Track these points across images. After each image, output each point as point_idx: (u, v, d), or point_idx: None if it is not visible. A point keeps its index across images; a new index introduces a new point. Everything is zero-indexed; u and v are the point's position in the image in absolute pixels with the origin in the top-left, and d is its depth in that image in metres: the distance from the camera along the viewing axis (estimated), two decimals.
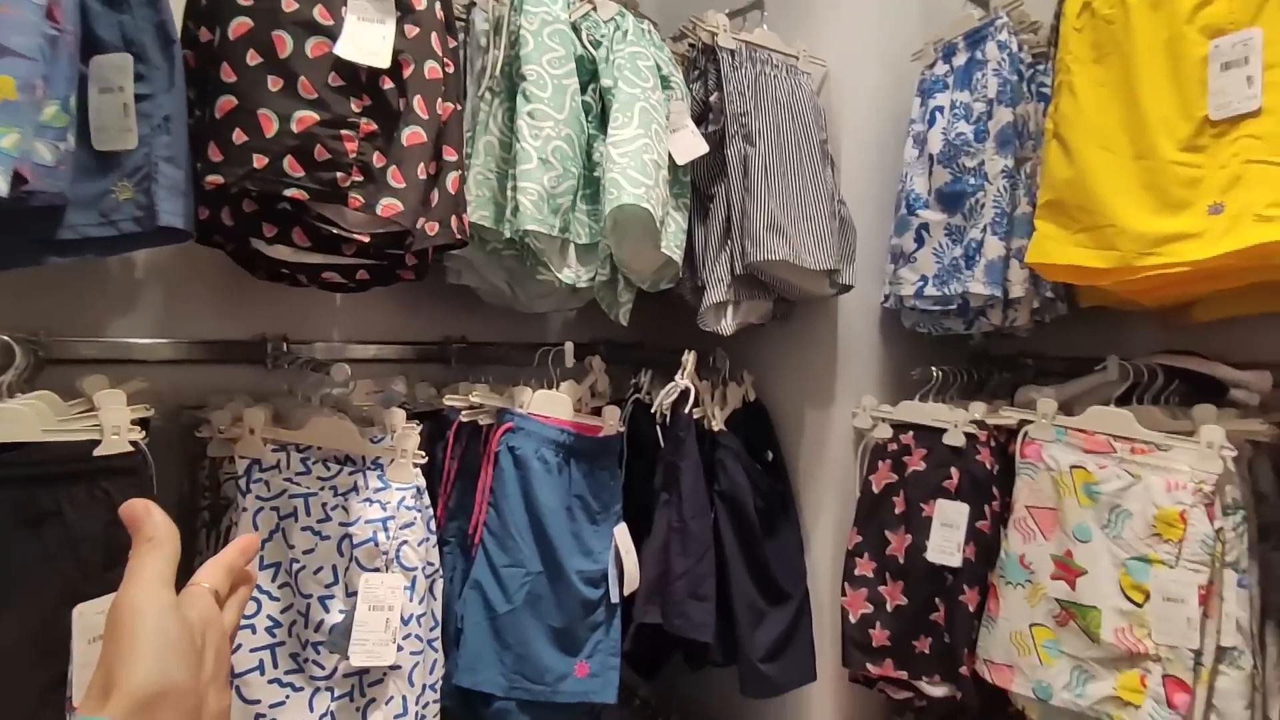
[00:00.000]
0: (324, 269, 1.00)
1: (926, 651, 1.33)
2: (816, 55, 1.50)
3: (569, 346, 1.20)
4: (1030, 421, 1.23)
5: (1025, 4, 1.33)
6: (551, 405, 1.18)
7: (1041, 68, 1.32)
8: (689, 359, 1.31)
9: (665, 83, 1.25)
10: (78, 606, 0.79)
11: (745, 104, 1.29)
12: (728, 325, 1.33)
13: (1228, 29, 1.00)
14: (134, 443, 0.87)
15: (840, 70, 1.51)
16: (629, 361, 1.66)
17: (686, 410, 1.30)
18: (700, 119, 1.32)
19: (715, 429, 1.38)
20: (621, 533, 1.21)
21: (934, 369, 1.44)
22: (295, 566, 0.98)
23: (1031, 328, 1.42)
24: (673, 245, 1.21)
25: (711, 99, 1.31)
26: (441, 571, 1.09)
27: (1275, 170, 0.95)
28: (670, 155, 1.20)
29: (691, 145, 1.22)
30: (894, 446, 1.42)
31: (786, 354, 1.59)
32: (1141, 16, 1.07)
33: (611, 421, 1.23)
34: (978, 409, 1.34)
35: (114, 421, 0.86)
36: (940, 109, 1.38)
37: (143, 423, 0.90)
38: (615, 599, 1.18)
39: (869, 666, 1.37)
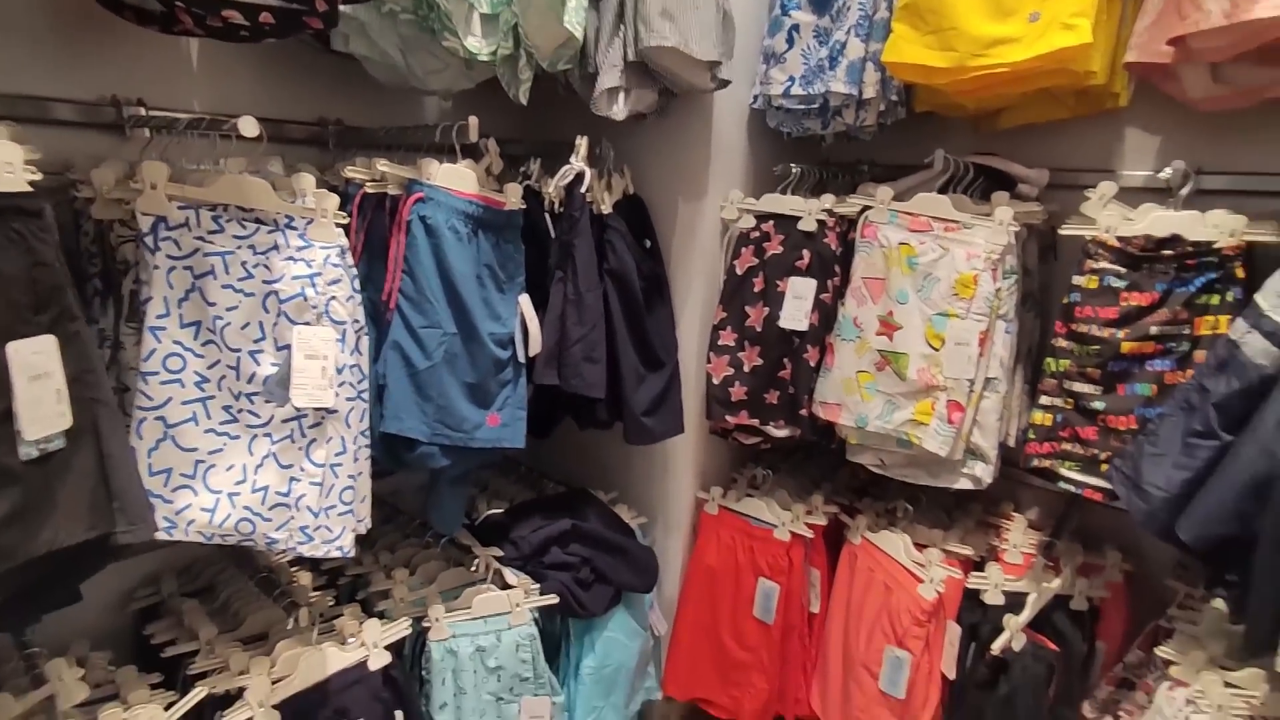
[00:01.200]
0: (223, 4, 0.93)
1: (775, 402, 1.63)
2: None
3: (473, 120, 1.23)
4: (870, 207, 1.46)
5: None
6: (458, 179, 1.22)
7: None
8: (582, 142, 1.38)
9: None
10: (9, 344, 0.79)
11: None
12: (620, 110, 1.40)
13: None
14: (31, 183, 0.83)
15: None
16: (508, 155, 1.69)
17: (581, 191, 1.39)
18: None
19: (604, 212, 1.49)
20: (525, 300, 1.33)
21: (793, 165, 1.63)
22: (219, 323, 1.00)
23: (875, 130, 1.63)
24: (574, 21, 1.24)
25: None
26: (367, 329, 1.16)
27: None
28: None
29: None
30: (756, 234, 1.62)
31: (663, 150, 1.70)
32: None
33: (514, 198, 1.30)
34: (828, 199, 1.56)
35: (6, 158, 0.80)
36: None
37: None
38: (521, 359, 1.32)
39: (728, 417, 1.65)
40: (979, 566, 1.52)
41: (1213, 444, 1.10)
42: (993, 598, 1.45)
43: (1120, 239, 1.25)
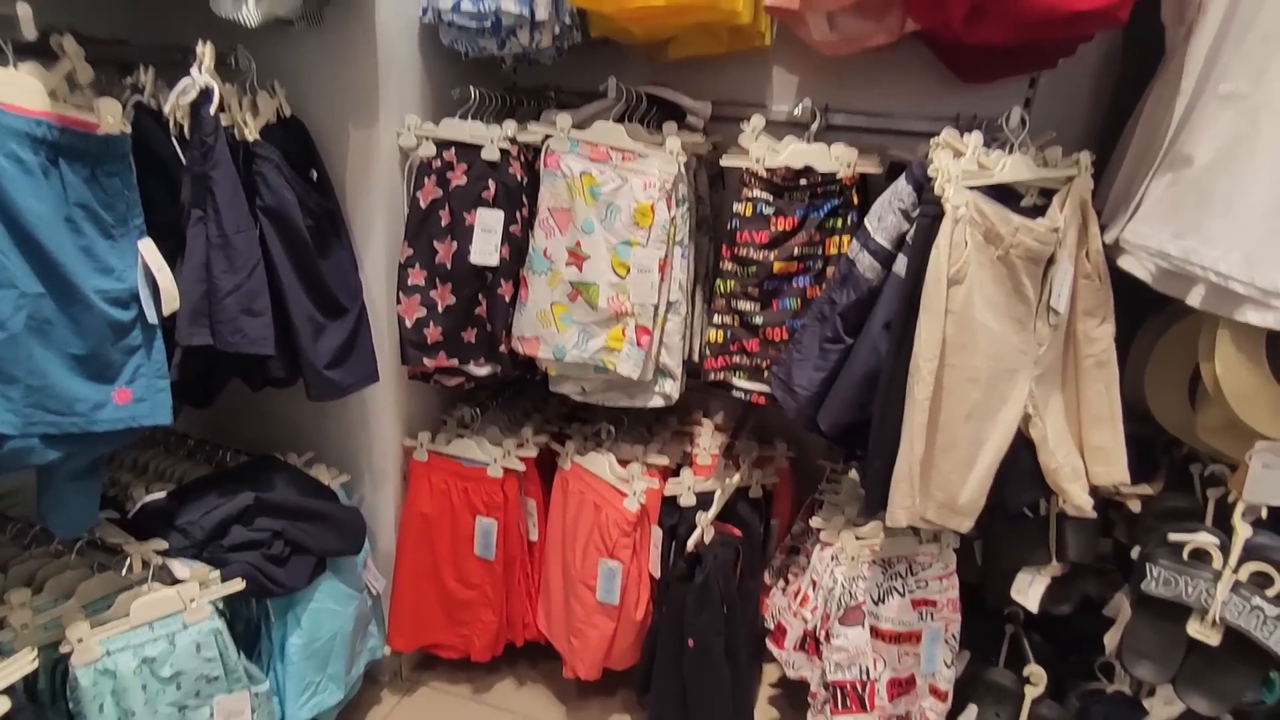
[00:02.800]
0: None
1: (473, 340, 1.58)
2: None
3: (25, 10, 0.93)
4: (552, 136, 1.44)
5: None
6: (13, 89, 0.93)
7: None
8: (205, 50, 1.15)
9: None
10: None
11: None
12: (250, 14, 1.18)
13: None
14: None
15: None
16: (112, 61, 1.35)
17: (211, 113, 1.16)
18: None
19: (250, 139, 1.27)
20: (148, 247, 1.09)
21: (473, 89, 1.54)
22: None
23: (554, 54, 1.59)
24: None
25: None
26: None
27: None
28: None
29: None
30: (438, 163, 1.52)
31: (323, 66, 1.49)
32: None
33: (112, 118, 1.04)
34: (510, 127, 1.50)
35: None
36: None
37: None
38: (153, 319, 1.09)
39: (425, 361, 1.57)
40: (676, 473, 1.67)
41: (840, 347, 1.31)
42: (686, 500, 1.61)
43: (768, 170, 1.39)
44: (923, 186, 1.18)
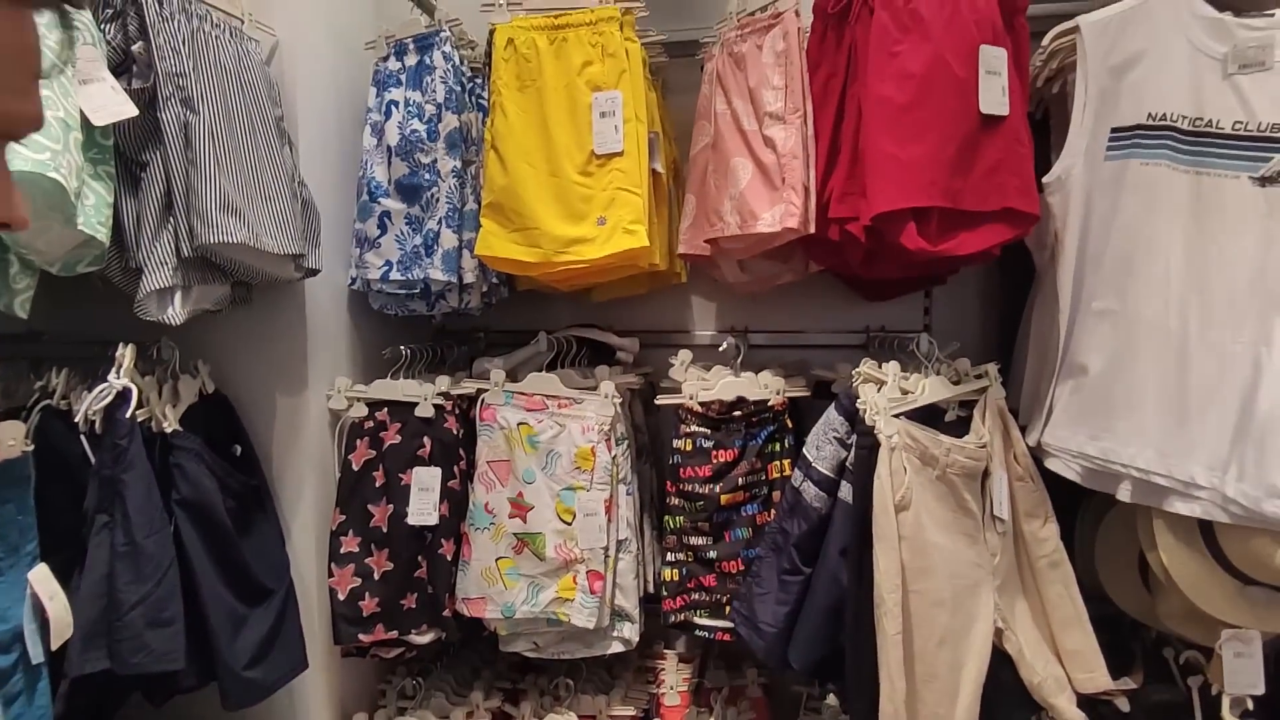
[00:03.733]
0: None
1: (414, 606, 1.46)
2: (265, 22, 1.41)
3: None
4: (486, 390, 1.45)
5: (464, 24, 1.51)
6: None
7: (479, 81, 1.53)
8: (125, 354, 1.12)
9: (64, 20, 1.01)
10: None
11: (181, 62, 1.14)
12: (175, 314, 1.18)
13: (603, 87, 1.34)
14: None
15: (292, 43, 1.46)
16: (24, 358, 1.31)
17: (127, 414, 1.12)
18: (120, 71, 1.11)
19: (167, 430, 1.21)
20: (40, 576, 0.98)
21: (403, 347, 1.56)
22: None
23: (482, 308, 1.65)
24: (95, 222, 1.01)
25: (135, 49, 1.12)
26: None
27: (634, 197, 1.33)
28: (83, 113, 0.99)
29: (112, 103, 1.02)
30: (370, 424, 1.49)
31: (251, 340, 1.48)
32: (549, 61, 1.35)
33: (13, 440, 0.98)
34: (443, 382, 1.51)
35: None
36: (395, 103, 1.47)
37: None
38: (38, 658, 0.96)
39: (360, 636, 1.44)
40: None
41: (799, 579, 1.28)
42: None
43: (703, 404, 1.42)
44: (854, 416, 1.23)
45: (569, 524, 1.41)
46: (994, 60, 1.17)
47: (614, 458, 1.42)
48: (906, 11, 1.18)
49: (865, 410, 1.19)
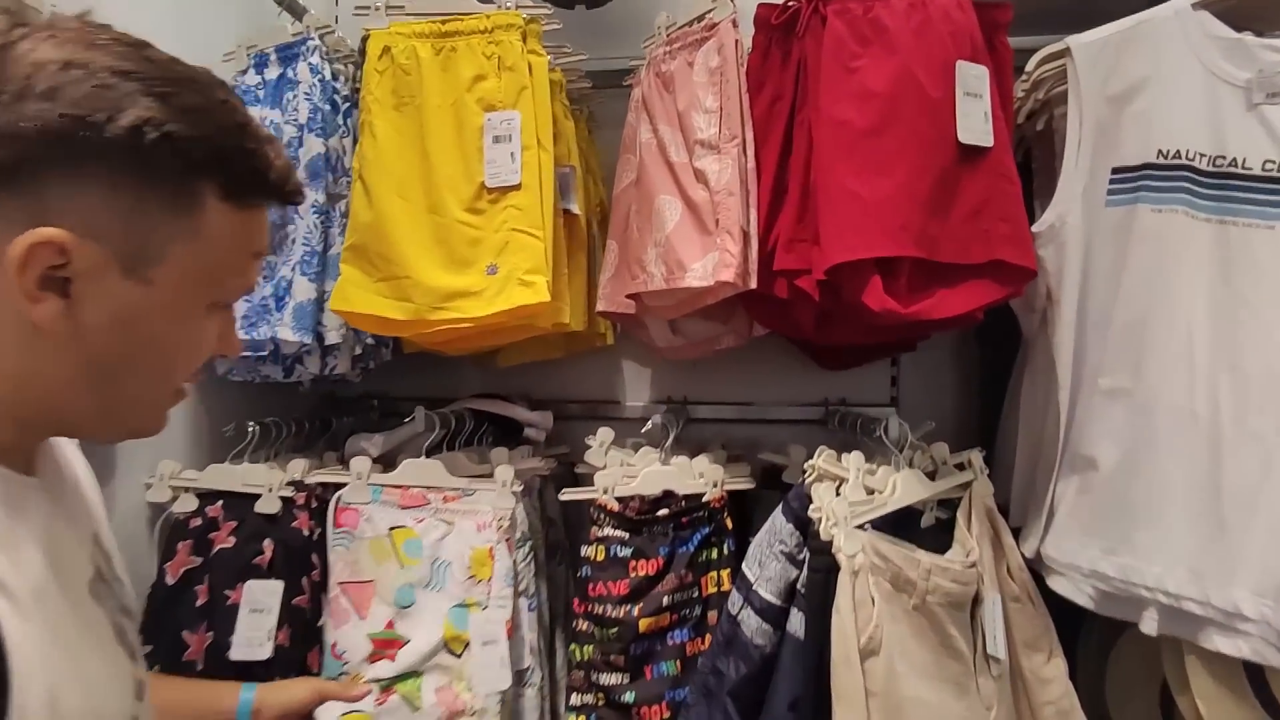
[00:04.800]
0: None
1: None
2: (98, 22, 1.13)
3: None
4: (344, 485, 1.14)
5: (342, 33, 1.25)
6: None
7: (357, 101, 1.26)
8: None
9: None
10: None
11: None
12: None
13: (497, 106, 1.08)
14: None
15: None
16: None
17: None
18: None
19: None
20: None
21: (251, 424, 1.24)
22: None
23: (359, 375, 1.35)
24: None
25: None
26: None
27: (533, 240, 1.06)
28: None
29: None
30: (197, 522, 1.16)
31: None
32: (433, 75, 1.10)
33: None
34: (297, 467, 1.19)
35: None
36: None
37: None
38: None
39: None
40: None
41: None
42: None
43: (620, 500, 1.13)
44: (806, 525, 0.95)
45: (459, 656, 1.08)
46: (974, 80, 0.95)
47: (514, 562, 1.11)
48: (866, 21, 0.96)
49: (821, 520, 0.91)
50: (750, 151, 1.05)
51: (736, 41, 1.06)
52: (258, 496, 1.16)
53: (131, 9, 1.12)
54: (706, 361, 1.55)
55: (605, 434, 1.24)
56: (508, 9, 1.11)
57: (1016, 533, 1.11)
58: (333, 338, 1.18)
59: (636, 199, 1.16)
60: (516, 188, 1.07)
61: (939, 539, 1.01)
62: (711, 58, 1.07)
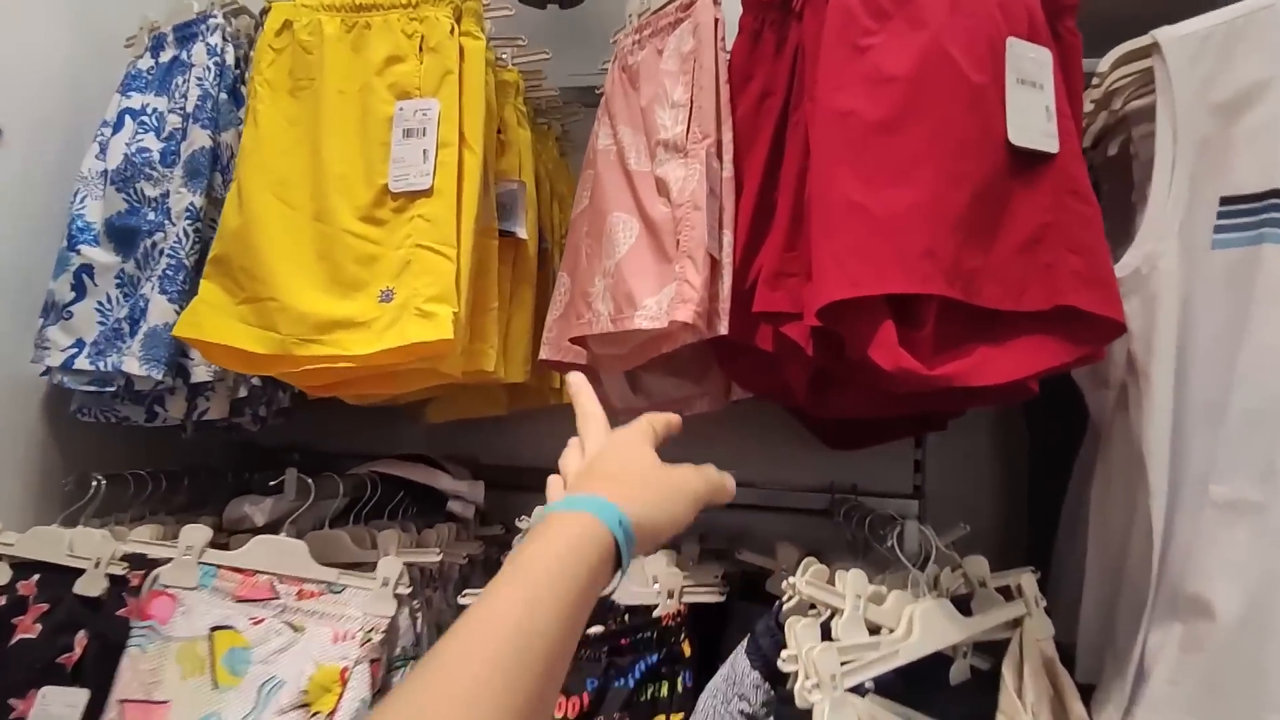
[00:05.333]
0: None
1: None
2: None
3: None
4: (165, 561, 0.87)
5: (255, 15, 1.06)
6: None
7: None
8: None
9: None
10: None
11: None
12: None
13: (413, 93, 0.86)
14: None
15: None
16: None
17: None
18: None
19: None
20: None
21: (96, 476, 0.99)
22: None
23: (255, 424, 1.11)
24: None
25: None
26: None
27: (441, 260, 0.81)
28: None
29: None
30: (3, 601, 0.90)
31: None
32: (338, 54, 0.88)
33: None
34: (142, 534, 0.94)
35: None
36: (133, 112, 0.99)
37: None
38: None
39: None
40: None
41: None
42: None
43: None
44: (779, 678, 0.65)
45: None
46: (1030, 64, 0.69)
47: (377, 695, 0.82)
48: None
49: (796, 677, 0.61)
50: (728, 158, 0.80)
51: (716, 20, 0.83)
52: (78, 572, 0.90)
53: None
54: (688, 428, 1.27)
55: (541, 513, 0.96)
56: None
57: (1086, 693, 0.79)
58: (201, 374, 0.94)
59: (590, 219, 0.92)
60: (427, 193, 0.83)
61: (974, 702, 0.71)
62: (685, 41, 0.84)
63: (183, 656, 0.80)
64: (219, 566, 0.85)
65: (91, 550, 0.91)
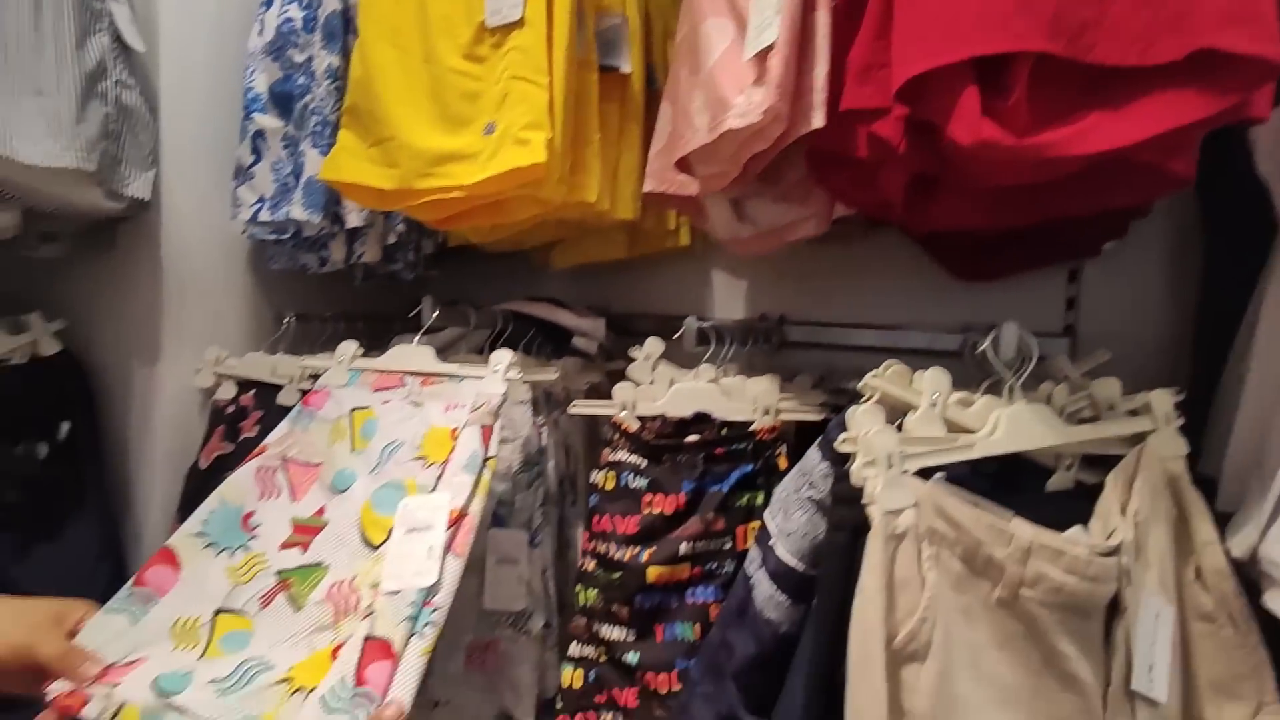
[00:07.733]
0: None
1: None
2: None
3: None
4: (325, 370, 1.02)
5: None
6: None
7: None
8: None
9: None
10: None
11: None
12: None
13: None
14: None
15: None
16: None
17: None
18: None
19: None
20: None
21: (292, 315, 1.19)
22: None
23: (409, 268, 1.25)
24: None
25: None
26: None
27: (533, 89, 0.85)
28: None
29: None
30: (232, 409, 1.14)
31: (107, 294, 1.20)
32: None
33: None
34: (318, 361, 1.12)
35: None
36: None
37: None
38: None
39: None
40: None
41: None
42: None
43: (642, 419, 0.91)
44: (843, 463, 0.66)
45: (375, 546, 0.83)
46: None
47: (490, 458, 0.85)
48: None
49: (853, 457, 0.62)
50: None
51: None
52: (279, 387, 1.11)
53: None
54: (819, 270, 1.25)
55: (653, 345, 1.01)
56: None
57: (1224, 520, 0.72)
58: (353, 220, 1.07)
59: (687, 38, 0.90)
60: (519, 24, 0.85)
61: (1071, 511, 0.67)
62: None
63: (333, 432, 0.95)
64: (362, 370, 1.00)
65: (288, 371, 1.11)
